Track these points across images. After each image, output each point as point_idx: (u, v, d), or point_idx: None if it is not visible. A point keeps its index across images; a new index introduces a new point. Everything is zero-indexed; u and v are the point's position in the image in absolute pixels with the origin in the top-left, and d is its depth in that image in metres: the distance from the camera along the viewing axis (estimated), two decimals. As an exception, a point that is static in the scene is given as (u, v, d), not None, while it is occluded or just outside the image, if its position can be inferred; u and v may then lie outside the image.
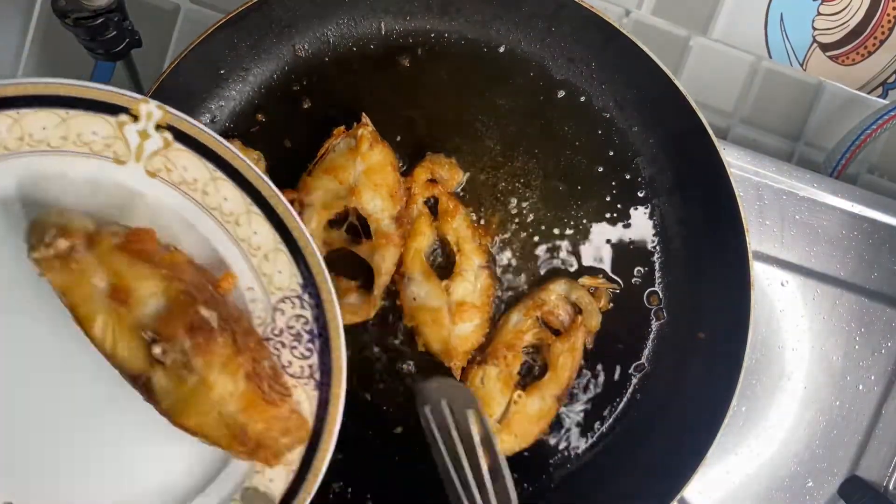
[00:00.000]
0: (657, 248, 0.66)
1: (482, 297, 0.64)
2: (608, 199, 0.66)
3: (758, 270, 0.70)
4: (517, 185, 0.66)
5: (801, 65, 0.79)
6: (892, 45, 0.79)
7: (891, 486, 0.72)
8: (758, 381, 0.71)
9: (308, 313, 0.53)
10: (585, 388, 0.66)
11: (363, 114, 0.62)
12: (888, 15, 0.79)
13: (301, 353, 0.53)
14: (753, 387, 0.71)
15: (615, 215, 0.66)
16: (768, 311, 0.71)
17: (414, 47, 0.65)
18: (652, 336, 0.66)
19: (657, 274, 0.66)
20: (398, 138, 0.65)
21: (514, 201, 0.66)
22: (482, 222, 0.66)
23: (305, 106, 0.65)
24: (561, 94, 0.66)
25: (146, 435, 0.53)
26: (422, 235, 0.63)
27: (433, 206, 0.65)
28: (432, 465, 0.66)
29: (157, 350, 0.48)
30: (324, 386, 0.53)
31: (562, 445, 0.66)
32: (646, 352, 0.66)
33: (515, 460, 0.66)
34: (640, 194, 0.66)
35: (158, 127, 0.50)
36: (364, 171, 0.61)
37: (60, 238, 0.47)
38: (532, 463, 0.66)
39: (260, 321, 0.53)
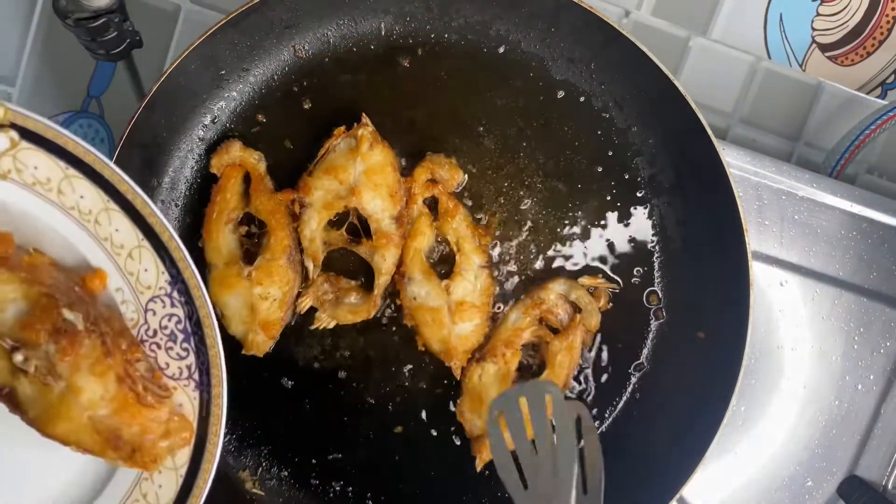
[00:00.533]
0: (657, 248, 0.66)
1: (482, 297, 0.64)
2: (608, 198, 0.66)
3: (757, 270, 0.70)
4: (517, 184, 0.66)
5: (801, 65, 0.80)
6: (891, 45, 0.80)
7: (889, 486, 0.72)
8: (757, 381, 0.71)
9: (180, 311, 0.51)
10: (586, 388, 0.66)
11: (363, 114, 0.62)
12: (887, 16, 0.79)
13: (177, 354, 0.51)
14: (753, 386, 0.71)
15: (615, 215, 0.66)
16: (768, 311, 0.71)
17: (414, 47, 0.65)
18: (652, 336, 0.66)
19: (657, 274, 0.66)
20: (398, 138, 0.65)
21: (513, 201, 0.66)
22: (482, 222, 0.66)
23: (306, 106, 0.65)
24: (561, 94, 0.66)
25: (30, 444, 0.50)
26: (422, 235, 0.63)
27: (433, 206, 0.65)
28: (432, 465, 0.66)
29: (18, 358, 0.46)
30: (204, 386, 0.51)
31: (562, 445, 0.66)
32: (646, 351, 0.66)
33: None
34: (640, 194, 0.66)
35: (1, 126, 0.48)
36: (364, 171, 0.61)
37: None
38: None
39: (132, 322, 0.51)
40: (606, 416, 0.66)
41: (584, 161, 0.66)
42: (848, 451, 0.72)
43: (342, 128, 0.62)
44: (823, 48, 0.80)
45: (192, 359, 0.51)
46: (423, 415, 0.66)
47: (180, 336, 0.51)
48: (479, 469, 0.64)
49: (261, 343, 0.62)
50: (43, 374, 0.46)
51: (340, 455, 0.66)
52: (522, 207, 0.66)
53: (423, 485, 0.66)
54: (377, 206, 0.61)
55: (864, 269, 0.71)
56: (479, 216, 0.66)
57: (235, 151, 0.63)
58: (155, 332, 0.51)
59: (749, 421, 0.71)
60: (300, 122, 0.64)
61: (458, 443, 0.66)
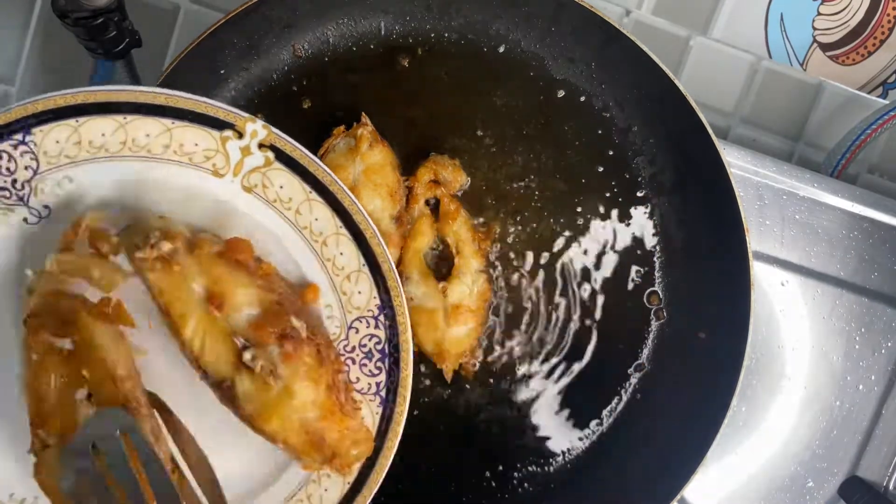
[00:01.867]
0: (657, 247, 0.66)
1: (478, 301, 0.64)
2: (608, 198, 0.66)
3: (758, 270, 0.70)
4: (517, 184, 0.66)
5: (802, 65, 0.79)
6: (892, 44, 0.79)
7: (891, 486, 0.72)
8: (758, 381, 0.71)
9: (381, 334, 0.55)
10: (585, 388, 0.66)
11: (363, 114, 0.62)
12: (888, 15, 0.79)
13: (370, 371, 0.55)
14: (753, 387, 0.71)
15: (615, 215, 0.66)
16: (768, 311, 0.71)
17: (414, 47, 0.65)
18: (652, 336, 0.66)
19: (657, 274, 0.66)
20: (398, 138, 0.65)
21: (513, 201, 0.66)
22: (482, 221, 0.65)
23: (305, 106, 0.65)
24: (561, 93, 0.66)
25: (212, 434, 0.54)
26: (422, 236, 0.63)
27: (434, 208, 0.65)
28: (433, 465, 0.66)
29: (247, 356, 0.49)
30: (388, 403, 0.55)
31: (562, 446, 0.66)
32: (646, 352, 0.66)
33: (515, 461, 0.66)
34: (640, 194, 0.66)
35: (262, 145, 0.52)
36: (364, 170, 0.61)
37: (164, 241, 0.48)
38: (532, 463, 0.66)
39: (334, 337, 0.55)
40: (606, 416, 0.66)
41: (585, 161, 0.66)
42: (849, 451, 0.72)
43: (341, 127, 0.62)
44: (824, 48, 0.80)
45: (382, 377, 0.55)
46: (424, 415, 0.66)
47: (377, 355, 0.55)
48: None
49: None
50: (266, 374, 0.49)
51: (340, 455, 0.66)
52: (522, 207, 0.66)
53: (423, 485, 0.66)
54: (377, 205, 0.61)
55: (865, 269, 0.71)
56: (479, 220, 0.66)
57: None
58: (353, 349, 0.55)
59: (750, 421, 0.71)
60: (300, 122, 0.64)
61: (459, 444, 0.66)
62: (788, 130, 0.77)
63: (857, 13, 0.79)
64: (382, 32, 0.65)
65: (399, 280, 0.55)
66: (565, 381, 0.66)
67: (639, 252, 0.66)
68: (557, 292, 0.66)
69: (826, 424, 0.72)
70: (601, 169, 0.66)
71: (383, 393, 0.55)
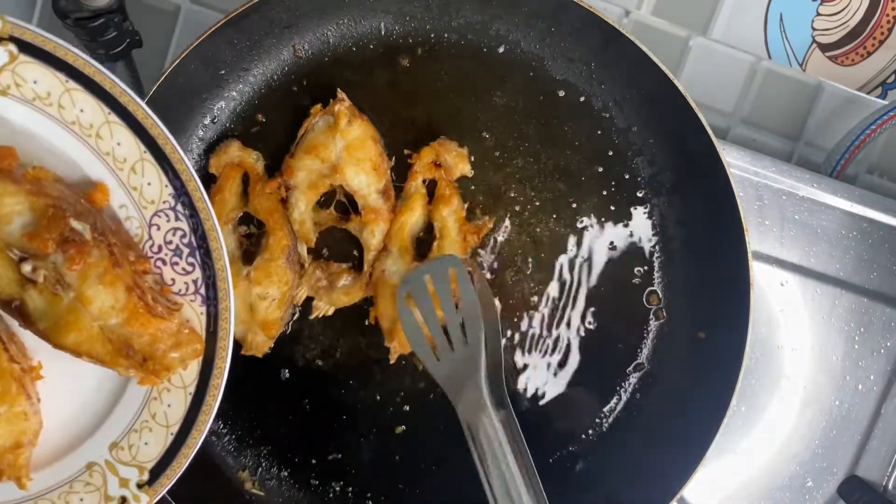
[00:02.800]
0: (657, 248, 0.66)
1: None
2: (608, 198, 0.66)
3: (757, 270, 0.70)
4: (517, 184, 0.66)
5: (801, 65, 0.80)
6: (892, 45, 0.80)
7: (890, 486, 0.72)
8: (757, 381, 0.71)
9: (184, 225, 0.50)
10: (585, 388, 0.66)
11: (339, 90, 0.62)
12: (887, 15, 0.79)
13: (183, 269, 0.51)
14: (753, 387, 0.71)
15: (615, 215, 0.66)
16: (768, 311, 0.71)
17: (414, 47, 0.65)
18: (652, 336, 0.66)
19: (657, 274, 0.66)
20: (398, 138, 0.65)
21: (513, 201, 0.66)
22: (483, 219, 0.65)
23: (306, 105, 0.65)
24: (561, 94, 0.66)
25: (46, 370, 0.51)
26: (411, 212, 0.63)
27: (431, 190, 0.64)
28: (433, 465, 0.66)
29: (27, 268, 0.46)
30: (211, 301, 0.51)
31: (562, 446, 0.66)
32: (646, 352, 0.66)
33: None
34: (640, 194, 0.66)
35: (0, 40, 0.47)
36: (345, 147, 0.61)
37: None
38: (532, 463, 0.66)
39: (137, 238, 0.50)
40: (606, 416, 0.66)
41: (585, 161, 0.66)
42: (848, 451, 0.72)
43: (318, 105, 0.62)
44: (824, 48, 0.80)
45: (198, 273, 0.50)
46: (424, 415, 0.66)
47: (185, 250, 0.50)
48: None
49: (260, 343, 0.62)
50: (52, 284, 0.46)
51: (340, 455, 0.66)
52: (522, 207, 0.66)
53: (424, 485, 0.66)
54: (362, 181, 0.61)
55: (864, 270, 0.71)
56: (483, 218, 0.66)
57: (234, 151, 0.62)
58: (160, 248, 0.50)
59: (749, 421, 0.71)
60: (300, 122, 0.64)
61: (459, 443, 0.66)
62: (788, 131, 0.77)
63: (856, 14, 0.79)
64: (382, 33, 0.65)
65: (189, 163, 0.50)
66: (564, 380, 0.66)
67: (638, 252, 0.66)
68: (557, 292, 0.66)
69: (825, 424, 0.72)
70: (601, 169, 0.66)
71: (203, 290, 0.51)
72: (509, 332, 0.66)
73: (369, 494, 0.66)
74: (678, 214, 0.66)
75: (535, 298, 0.66)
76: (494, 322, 0.61)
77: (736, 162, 0.69)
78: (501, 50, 0.65)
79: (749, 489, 0.72)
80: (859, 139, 0.71)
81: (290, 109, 0.65)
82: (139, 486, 0.52)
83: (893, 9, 0.79)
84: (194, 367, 0.51)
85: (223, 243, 0.50)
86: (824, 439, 0.72)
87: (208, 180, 0.64)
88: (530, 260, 0.66)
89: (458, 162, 0.63)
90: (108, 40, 0.61)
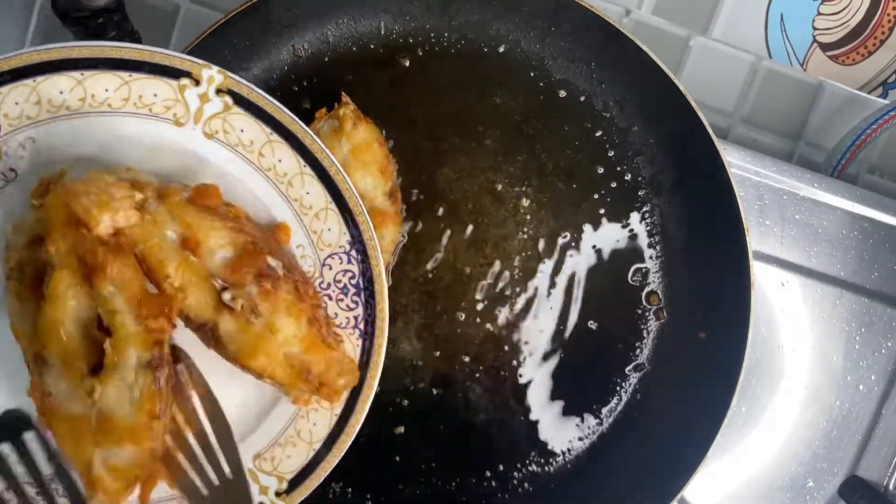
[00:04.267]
0: (657, 247, 0.66)
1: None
2: (608, 198, 0.66)
3: (758, 270, 0.70)
4: (517, 184, 0.66)
5: (802, 65, 0.79)
6: (893, 44, 0.79)
7: (891, 486, 0.72)
8: (758, 381, 0.71)
9: (355, 268, 0.55)
10: (585, 388, 0.66)
11: (342, 93, 0.62)
12: (888, 15, 0.79)
13: (347, 306, 0.56)
14: (753, 387, 0.71)
15: (615, 215, 0.66)
16: (768, 311, 0.71)
17: (414, 47, 0.65)
18: (652, 336, 0.66)
19: (657, 274, 0.66)
20: (398, 138, 0.65)
21: (513, 201, 0.66)
22: (480, 222, 0.65)
23: (306, 106, 0.65)
24: (561, 93, 0.66)
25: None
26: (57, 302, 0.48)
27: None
28: (433, 464, 0.66)
29: (227, 296, 0.50)
30: (368, 335, 0.56)
31: (562, 446, 0.66)
32: (646, 352, 0.66)
33: (515, 461, 0.66)
34: (640, 194, 0.66)
35: (219, 91, 0.52)
36: (350, 150, 0.61)
37: (134, 190, 0.49)
38: (532, 463, 0.66)
39: (309, 276, 0.56)
40: (606, 416, 0.66)
41: (585, 161, 0.66)
42: (849, 451, 0.72)
43: (323, 110, 0.62)
44: (824, 47, 0.80)
45: (360, 311, 0.56)
46: (424, 415, 0.66)
47: (352, 290, 0.56)
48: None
49: None
50: (247, 312, 0.50)
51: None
52: (521, 207, 0.66)
53: (424, 485, 0.66)
54: (368, 183, 0.61)
55: (865, 270, 0.71)
56: (477, 215, 0.65)
57: None
58: (329, 285, 0.56)
59: (750, 421, 0.71)
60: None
61: (459, 443, 0.66)
62: (788, 130, 0.77)
63: (857, 13, 0.79)
64: (382, 32, 0.65)
65: (367, 216, 0.55)
66: (565, 381, 0.66)
67: (638, 252, 0.66)
68: (557, 292, 0.66)
69: (826, 424, 0.72)
70: (601, 169, 0.66)
71: (362, 325, 0.56)
72: (510, 332, 0.66)
73: (369, 494, 0.66)
74: (679, 214, 0.66)
75: (535, 298, 0.66)
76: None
77: (736, 162, 0.69)
78: (501, 50, 0.65)
79: (749, 489, 0.72)
80: (860, 139, 0.71)
81: (290, 109, 0.64)
82: (277, 494, 0.57)
83: (894, 8, 0.79)
84: (344, 394, 0.56)
85: (386, 287, 0.56)
86: (825, 439, 0.72)
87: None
88: (529, 260, 0.66)
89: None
90: (108, 40, 0.61)
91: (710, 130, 0.61)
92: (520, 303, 0.66)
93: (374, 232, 0.55)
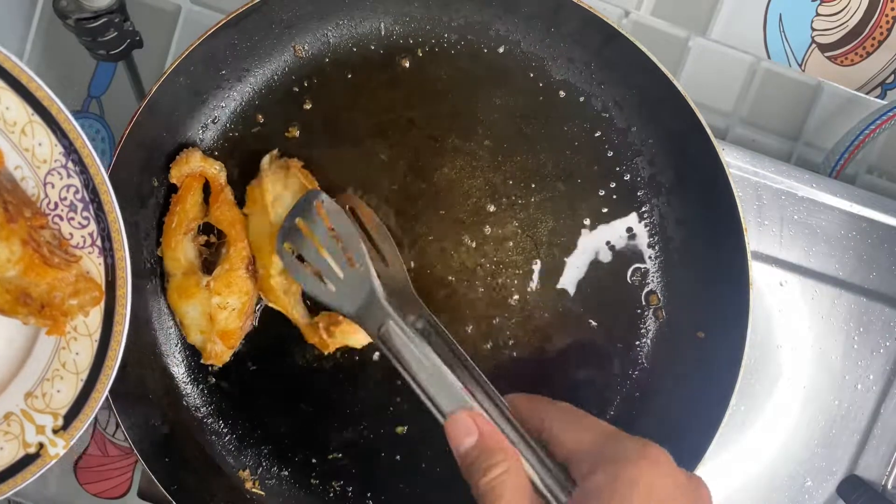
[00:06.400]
0: (656, 247, 0.66)
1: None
2: (607, 198, 0.66)
3: (756, 270, 0.70)
4: (516, 184, 0.66)
5: (800, 65, 0.80)
6: (891, 45, 0.80)
7: (889, 485, 0.72)
8: (756, 381, 0.71)
9: (76, 181, 0.53)
10: (584, 388, 0.67)
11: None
12: (887, 15, 0.79)
13: (79, 223, 0.54)
14: (752, 386, 0.71)
15: (614, 215, 0.66)
16: (767, 311, 0.71)
17: (414, 48, 0.65)
18: (651, 336, 0.67)
19: (656, 274, 0.66)
20: (398, 138, 0.65)
21: (513, 201, 0.66)
22: (479, 222, 0.66)
23: (306, 106, 0.65)
24: (561, 94, 0.66)
25: None
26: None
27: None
28: (433, 464, 0.66)
29: None
30: (107, 251, 0.54)
31: (561, 445, 0.66)
32: (645, 351, 0.67)
33: (515, 459, 0.66)
34: (639, 194, 0.66)
35: None
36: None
37: None
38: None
39: (34, 197, 0.54)
40: (606, 416, 0.67)
41: (584, 161, 0.66)
42: (847, 450, 0.72)
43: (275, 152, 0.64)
44: (823, 48, 0.80)
45: (93, 226, 0.54)
46: (424, 415, 0.66)
47: (80, 206, 0.53)
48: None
49: (220, 353, 0.63)
50: None
51: (340, 455, 0.66)
52: (521, 207, 0.66)
53: (424, 485, 0.66)
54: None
55: (863, 269, 0.71)
56: (477, 216, 0.66)
57: (195, 161, 0.62)
58: (56, 205, 0.53)
59: (748, 421, 0.72)
60: (301, 122, 0.65)
61: (458, 442, 0.66)
62: (787, 131, 0.77)
63: (855, 14, 0.79)
64: (383, 33, 0.65)
65: (76, 122, 0.52)
66: (563, 381, 0.66)
67: (637, 252, 0.66)
68: (556, 292, 0.66)
69: (825, 424, 0.72)
70: (600, 169, 0.66)
71: (99, 242, 0.54)
72: (509, 333, 0.66)
73: (369, 494, 0.67)
74: (677, 214, 0.66)
75: (535, 298, 0.66)
76: (391, 246, 0.62)
77: (735, 162, 0.70)
78: (501, 50, 0.65)
79: (748, 488, 0.72)
80: (859, 139, 0.71)
81: (290, 109, 0.65)
82: (55, 431, 0.55)
83: (893, 9, 0.79)
84: (97, 316, 0.54)
85: (114, 196, 0.53)
86: (823, 439, 0.72)
87: (171, 189, 0.64)
88: (529, 260, 0.66)
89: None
90: (109, 41, 0.61)
91: (708, 131, 0.61)
92: (519, 303, 0.66)
93: (87, 139, 0.53)
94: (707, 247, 0.64)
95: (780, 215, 0.71)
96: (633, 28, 0.75)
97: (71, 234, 0.54)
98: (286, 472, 0.67)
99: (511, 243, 0.66)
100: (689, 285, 0.66)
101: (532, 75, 0.66)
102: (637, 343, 0.67)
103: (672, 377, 0.66)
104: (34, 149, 0.53)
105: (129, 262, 0.54)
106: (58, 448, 0.55)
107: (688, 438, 0.62)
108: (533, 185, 0.66)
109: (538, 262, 0.66)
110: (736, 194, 0.61)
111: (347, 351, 0.66)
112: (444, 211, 0.66)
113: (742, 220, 0.61)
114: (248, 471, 0.66)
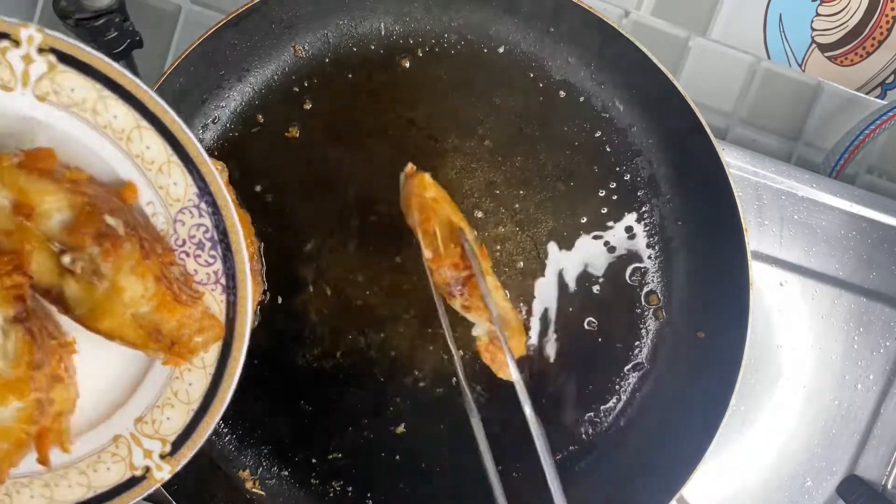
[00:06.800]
0: (656, 247, 0.66)
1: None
2: (607, 198, 0.66)
3: (757, 270, 0.70)
4: (516, 184, 0.66)
5: (800, 65, 0.80)
6: (891, 45, 0.80)
7: (889, 485, 0.72)
8: (757, 381, 0.71)
9: (207, 221, 0.54)
10: (584, 388, 0.67)
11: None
12: (886, 16, 0.79)
13: (205, 261, 0.54)
14: (752, 386, 0.71)
15: (614, 215, 0.66)
16: (767, 311, 0.71)
17: (414, 48, 0.65)
18: (651, 336, 0.67)
19: (656, 274, 0.66)
20: (398, 138, 0.65)
21: (513, 201, 0.66)
22: (480, 222, 0.66)
23: (306, 106, 0.65)
24: (561, 94, 0.66)
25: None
26: None
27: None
28: (433, 465, 0.66)
29: (66, 259, 0.49)
30: (230, 289, 0.55)
31: (561, 446, 0.66)
32: (645, 351, 0.67)
33: (516, 461, 0.66)
34: (640, 194, 0.66)
35: (41, 50, 0.51)
36: None
37: None
38: (532, 463, 0.66)
39: (163, 233, 0.55)
40: (606, 415, 0.66)
41: (584, 161, 0.66)
42: (847, 450, 0.72)
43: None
44: (823, 48, 0.80)
45: (218, 265, 0.54)
46: (424, 415, 0.66)
47: (208, 244, 0.54)
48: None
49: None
50: (89, 275, 0.50)
51: (340, 455, 0.66)
52: (521, 207, 0.66)
53: (424, 485, 0.66)
54: None
55: (863, 269, 0.71)
56: (477, 216, 0.66)
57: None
58: (184, 242, 0.54)
59: (748, 421, 0.72)
60: (301, 123, 0.65)
61: (459, 443, 0.66)
62: (787, 131, 0.77)
63: (855, 14, 0.79)
64: (383, 33, 0.65)
65: (212, 165, 0.54)
66: (564, 381, 0.66)
67: (637, 252, 0.66)
68: (556, 292, 0.66)
69: (824, 424, 0.72)
70: (600, 169, 0.66)
71: (223, 280, 0.55)
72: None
73: (369, 494, 0.66)
74: (678, 214, 0.66)
75: (535, 298, 0.66)
76: None
77: (735, 162, 0.70)
78: (501, 50, 0.65)
79: (748, 489, 0.72)
80: (858, 139, 0.71)
81: (290, 109, 0.65)
82: (162, 456, 0.56)
83: (892, 9, 0.79)
84: (214, 351, 0.55)
85: (242, 238, 0.54)
86: (823, 439, 0.72)
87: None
88: (529, 260, 0.66)
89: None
90: (109, 41, 0.61)
91: (708, 131, 0.61)
92: (519, 303, 0.66)
93: (222, 181, 0.53)
94: (707, 247, 0.64)
95: (780, 215, 0.71)
96: (633, 28, 0.75)
97: (195, 271, 0.55)
98: (286, 472, 0.67)
99: (511, 243, 0.66)
100: (689, 285, 0.66)
101: (532, 75, 0.66)
102: (637, 343, 0.67)
103: (672, 377, 0.66)
104: (169, 187, 0.54)
105: (250, 301, 0.55)
106: (163, 473, 0.56)
107: (688, 438, 0.62)
108: (533, 185, 0.66)
109: (537, 261, 0.66)
110: (736, 194, 0.61)
111: (348, 351, 0.66)
112: (444, 211, 0.65)
113: (742, 220, 0.61)
114: (248, 471, 0.66)
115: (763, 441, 0.72)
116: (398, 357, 0.66)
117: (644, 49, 0.61)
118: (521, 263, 0.66)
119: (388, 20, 0.64)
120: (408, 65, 0.65)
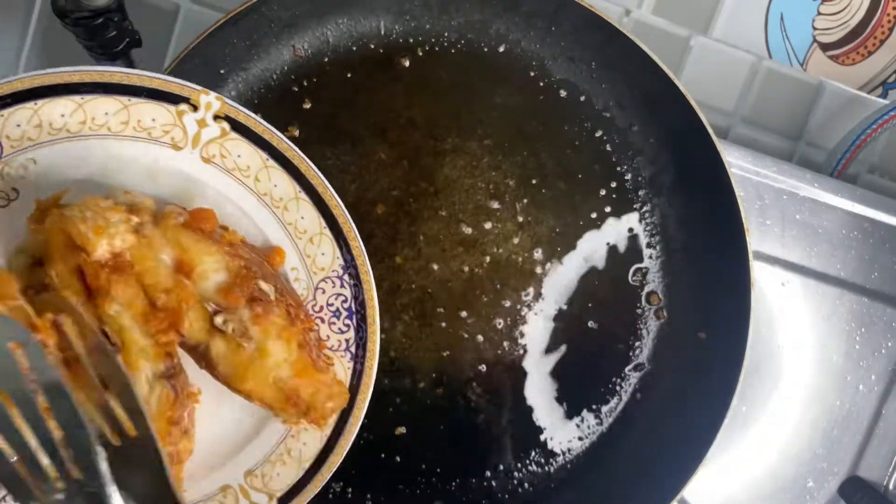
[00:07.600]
0: (657, 247, 0.66)
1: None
2: (608, 198, 0.66)
3: (758, 270, 0.70)
4: (516, 184, 0.66)
5: (802, 65, 0.79)
6: (893, 44, 0.79)
7: (891, 486, 0.72)
8: (758, 381, 0.71)
9: (347, 292, 0.57)
10: (585, 388, 0.66)
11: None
12: (888, 14, 0.79)
13: (339, 329, 0.57)
14: (753, 387, 0.71)
15: (615, 214, 0.66)
16: (768, 311, 0.71)
17: (414, 47, 0.65)
18: (652, 336, 0.66)
19: (657, 273, 0.66)
20: (398, 138, 0.65)
21: (513, 200, 0.66)
22: (480, 222, 0.65)
23: (306, 106, 0.65)
24: (561, 93, 0.66)
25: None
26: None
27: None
28: (433, 465, 0.66)
29: (219, 320, 0.51)
30: (359, 358, 0.57)
31: (562, 446, 0.66)
32: (646, 352, 0.66)
33: (516, 461, 0.66)
34: (640, 194, 0.66)
35: (217, 117, 0.54)
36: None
37: (131, 214, 0.49)
38: (533, 463, 0.66)
39: (302, 298, 0.57)
40: (606, 416, 0.66)
41: (585, 160, 0.66)
42: (849, 451, 0.72)
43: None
44: (824, 47, 0.80)
45: (351, 333, 0.57)
46: (424, 415, 0.66)
47: (344, 313, 0.57)
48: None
49: None
50: (238, 336, 0.51)
51: (340, 455, 0.66)
52: (521, 207, 0.66)
53: (424, 485, 0.66)
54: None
55: (865, 269, 0.71)
56: (477, 216, 0.65)
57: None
58: (321, 308, 0.57)
59: (750, 421, 0.71)
60: (301, 122, 0.64)
61: (459, 444, 0.66)
62: (789, 130, 0.77)
63: (857, 13, 0.79)
64: (382, 32, 0.65)
65: (362, 243, 0.56)
66: (565, 381, 0.66)
67: (638, 252, 0.66)
68: (556, 292, 0.66)
69: (826, 424, 0.72)
70: (601, 169, 0.66)
71: (353, 349, 0.57)
72: (510, 332, 0.66)
73: (369, 494, 0.66)
74: (679, 214, 0.66)
75: (535, 298, 0.66)
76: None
77: (737, 162, 0.69)
78: (501, 50, 0.65)
79: (749, 490, 0.72)
80: (860, 139, 0.71)
81: (290, 109, 0.65)
82: None
83: (894, 8, 0.79)
84: (333, 416, 0.57)
85: (377, 312, 0.57)
86: (825, 439, 0.72)
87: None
88: (530, 261, 0.66)
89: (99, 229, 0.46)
90: (108, 40, 0.61)
91: (710, 130, 0.61)
92: (519, 303, 0.66)
93: (367, 258, 0.56)
94: (708, 247, 0.64)
95: (782, 215, 0.70)
96: (634, 27, 0.75)
97: (328, 337, 0.57)
98: (286, 473, 0.67)
99: (511, 243, 0.66)
100: (690, 285, 0.66)
101: (532, 74, 0.65)
102: (638, 343, 0.66)
103: (673, 378, 0.65)
104: (316, 256, 0.56)
105: (374, 372, 0.57)
106: None
107: (689, 439, 0.62)
108: (533, 185, 0.66)
109: (537, 261, 0.66)
110: (737, 194, 0.61)
111: (347, 351, 0.66)
112: (444, 211, 0.65)
113: (743, 219, 0.61)
114: (247, 471, 0.66)
115: (764, 442, 0.72)
116: (397, 358, 0.65)
117: (645, 48, 0.61)
118: (522, 263, 0.66)
119: (388, 19, 0.64)
120: (407, 64, 0.65)
